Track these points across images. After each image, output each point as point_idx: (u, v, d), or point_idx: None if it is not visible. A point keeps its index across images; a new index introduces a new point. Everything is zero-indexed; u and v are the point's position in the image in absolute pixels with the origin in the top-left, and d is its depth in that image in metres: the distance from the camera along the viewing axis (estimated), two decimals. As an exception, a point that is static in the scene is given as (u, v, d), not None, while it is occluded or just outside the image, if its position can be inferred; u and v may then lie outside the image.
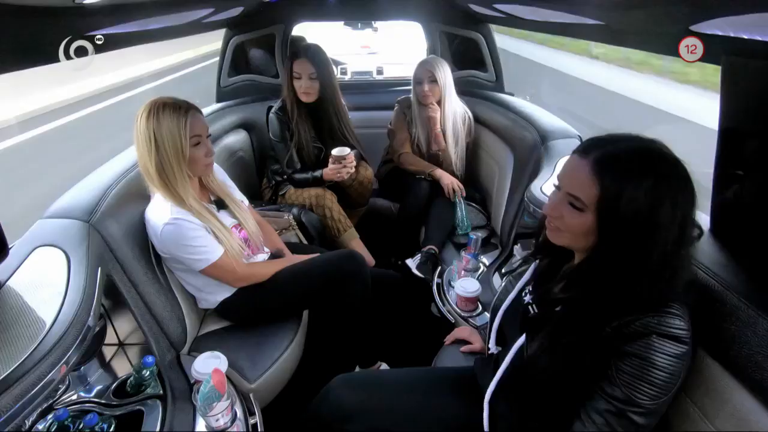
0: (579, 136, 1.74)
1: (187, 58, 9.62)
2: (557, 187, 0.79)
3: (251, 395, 1.21)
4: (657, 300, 0.70)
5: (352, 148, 1.92)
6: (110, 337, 1.20)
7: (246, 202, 1.51)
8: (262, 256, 1.47)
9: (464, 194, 2.00)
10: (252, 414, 1.13)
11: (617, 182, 0.70)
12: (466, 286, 1.50)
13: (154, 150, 1.19)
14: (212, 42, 7.72)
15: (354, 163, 1.86)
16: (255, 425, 1.11)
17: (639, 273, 0.70)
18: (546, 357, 0.78)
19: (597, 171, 0.71)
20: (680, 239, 0.70)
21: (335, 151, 1.82)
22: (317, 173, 1.90)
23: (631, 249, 0.70)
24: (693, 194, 0.71)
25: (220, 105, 2.28)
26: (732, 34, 0.76)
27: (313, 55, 1.84)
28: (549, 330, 0.79)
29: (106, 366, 1.17)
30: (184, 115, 1.20)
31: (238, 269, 1.31)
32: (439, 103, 2.03)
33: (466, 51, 2.44)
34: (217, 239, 1.26)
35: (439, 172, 2.02)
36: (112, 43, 1.11)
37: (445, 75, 2.00)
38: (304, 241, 1.80)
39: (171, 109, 1.20)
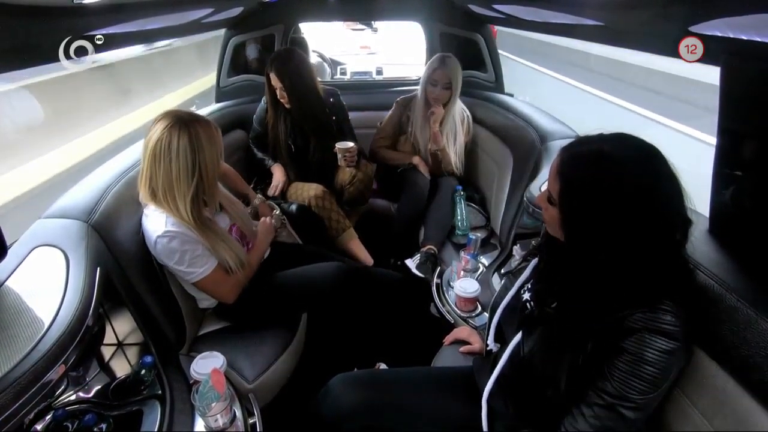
0: (577, 136, 1.73)
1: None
2: None
3: (250, 395, 1.21)
4: (649, 296, 0.70)
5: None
6: (109, 337, 1.19)
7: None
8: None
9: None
10: (251, 414, 1.13)
11: (572, 180, 0.74)
12: (465, 286, 1.50)
13: (171, 164, 1.13)
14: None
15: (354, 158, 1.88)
16: (254, 425, 1.10)
17: (616, 268, 0.72)
18: (541, 354, 0.79)
19: (560, 170, 0.76)
20: (653, 236, 0.70)
21: (339, 145, 1.85)
22: (269, 163, 2.04)
23: (593, 243, 0.73)
24: (669, 190, 0.71)
25: (219, 105, 2.28)
26: (731, 35, 0.76)
27: (279, 68, 1.82)
28: (544, 327, 0.80)
29: (105, 366, 1.17)
30: (216, 129, 1.20)
31: (224, 288, 1.30)
32: (445, 105, 2.03)
33: (466, 51, 2.44)
34: (210, 252, 1.24)
35: (417, 159, 2.09)
36: (111, 43, 1.11)
37: (459, 80, 2.01)
38: (299, 241, 1.79)
39: (205, 124, 1.17)
